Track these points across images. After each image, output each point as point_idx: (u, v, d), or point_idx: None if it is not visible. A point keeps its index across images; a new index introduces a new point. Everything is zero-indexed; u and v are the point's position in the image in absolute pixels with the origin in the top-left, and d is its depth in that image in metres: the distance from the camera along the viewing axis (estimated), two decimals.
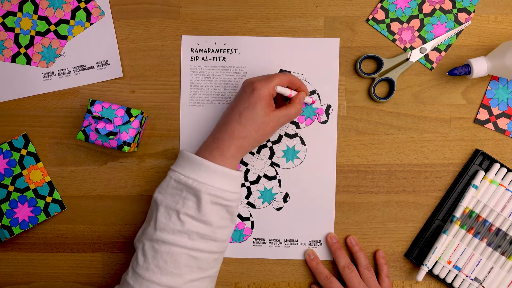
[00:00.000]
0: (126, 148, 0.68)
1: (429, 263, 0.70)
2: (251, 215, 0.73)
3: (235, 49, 0.73)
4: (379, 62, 0.72)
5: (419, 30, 0.73)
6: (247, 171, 0.73)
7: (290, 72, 0.73)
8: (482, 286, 0.70)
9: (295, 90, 0.68)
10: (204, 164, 0.61)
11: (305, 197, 0.73)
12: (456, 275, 0.70)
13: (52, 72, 0.73)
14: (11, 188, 0.72)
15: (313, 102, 0.72)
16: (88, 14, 0.73)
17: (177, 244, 0.60)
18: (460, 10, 0.73)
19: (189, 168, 0.62)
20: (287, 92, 0.66)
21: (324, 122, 0.73)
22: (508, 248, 0.70)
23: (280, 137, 0.73)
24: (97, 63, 0.73)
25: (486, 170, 0.72)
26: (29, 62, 0.73)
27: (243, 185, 0.73)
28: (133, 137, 0.69)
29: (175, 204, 0.61)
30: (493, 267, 0.70)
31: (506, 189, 0.71)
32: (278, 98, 0.69)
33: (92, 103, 0.69)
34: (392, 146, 0.73)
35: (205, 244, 0.61)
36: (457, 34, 0.73)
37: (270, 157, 0.73)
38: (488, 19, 0.73)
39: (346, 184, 0.73)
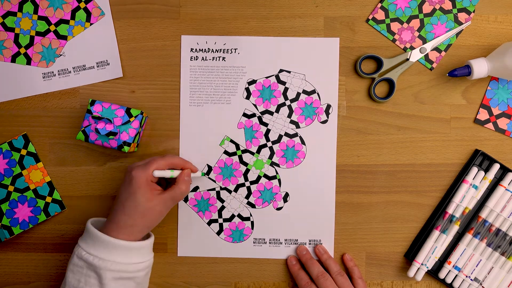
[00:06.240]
0: (126, 148, 0.68)
1: (428, 263, 0.70)
2: (251, 215, 0.73)
3: (235, 49, 0.73)
4: (379, 62, 0.72)
5: (419, 30, 0.73)
6: (247, 170, 0.73)
7: (290, 72, 0.73)
8: (482, 286, 0.70)
9: (181, 169, 0.67)
10: (104, 240, 0.61)
11: (305, 197, 0.73)
12: (456, 275, 0.70)
13: (52, 72, 0.73)
14: (11, 188, 0.72)
15: (195, 171, 0.69)
16: (88, 14, 0.73)
17: None
18: (460, 10, 0.73)
19: (91, 243, 0.61)
20: (167, 174, 0.65)
21: (324, 122, 0.73)
22: (508, 248, 0.70)
23: (280, 136, 0.73)
24: (97, 63, 0.73)
25: (486, 170, 0.72)
26: (29, 62, 0.73)
27: (243, 185, 0.73)
28: (133, 137, 0.69)
29: (77, 283, 0.60)
30: (493, 267, 0.70)
31: (506, 189, 0.71)
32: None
33: (92, 103, 0.69)
34: (392, 146, 0.73)
35: None
36: (457, 34, 0.73)
37: (270, 157, 0.73)
38: (488, 19, 0.73)
39: (346, 184, 0.73)
